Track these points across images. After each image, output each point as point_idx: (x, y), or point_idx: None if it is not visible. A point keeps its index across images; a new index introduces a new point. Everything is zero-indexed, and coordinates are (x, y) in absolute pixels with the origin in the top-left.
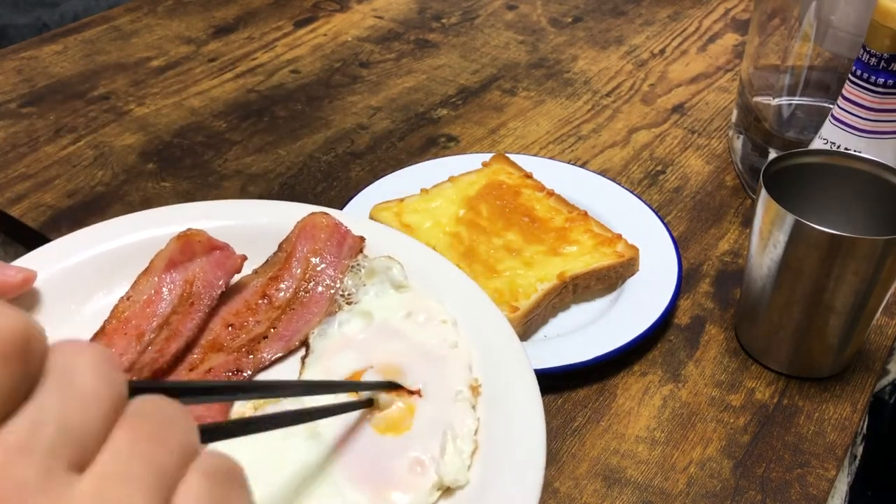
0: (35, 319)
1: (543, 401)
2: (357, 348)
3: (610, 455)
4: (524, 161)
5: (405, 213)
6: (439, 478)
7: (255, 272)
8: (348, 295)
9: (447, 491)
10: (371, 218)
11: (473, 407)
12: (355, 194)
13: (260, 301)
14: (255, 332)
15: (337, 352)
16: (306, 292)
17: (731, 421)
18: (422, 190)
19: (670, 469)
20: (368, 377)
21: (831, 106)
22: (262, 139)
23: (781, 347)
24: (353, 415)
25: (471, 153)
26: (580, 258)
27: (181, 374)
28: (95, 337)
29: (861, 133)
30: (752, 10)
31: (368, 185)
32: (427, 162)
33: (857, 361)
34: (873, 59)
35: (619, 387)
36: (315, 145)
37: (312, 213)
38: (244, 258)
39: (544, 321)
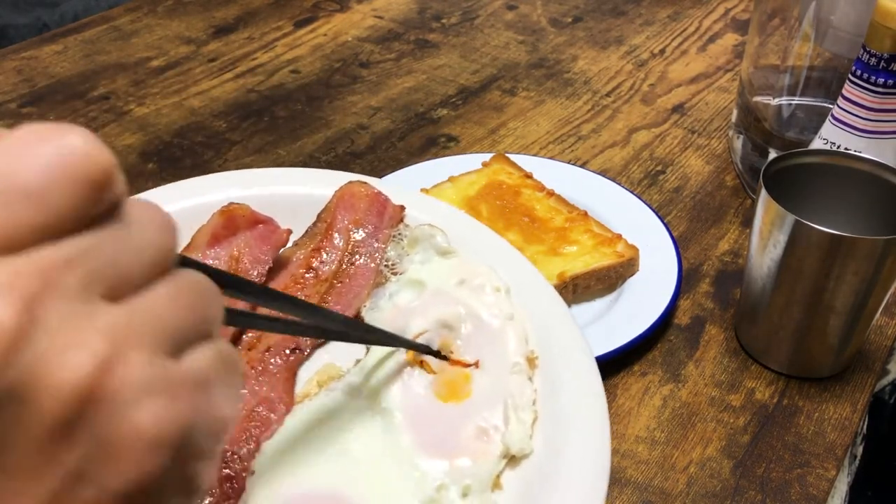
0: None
1: None
2: (414, 316)
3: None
4: (524, 161)
5: None
6: (505, 446)
7: (296, 244)
8: (392, 265)
9: (513, 460)
10: None
11: (530, 378)
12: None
13: (306, 275)
14: None
15: (395, 319)
16: (351, 264)
17: (731, 421)
18: (422, 190)
19: (670, 469)
20: (429, 338)
21: (831, 106)
22: (262, 139)
23: (781, 347)
24: (415, 384)
25: (471, 153)
26: (580, 258)
27: (241, 354)
28: None
29: (861, 133)
30: (752, 10)
31: None
32: (427, 162)
33: (857, 361)
34: (873, 59)
35: (619, 387)
36: (315, 145)
37: (350, 183)
38: (289, 232)
39: None
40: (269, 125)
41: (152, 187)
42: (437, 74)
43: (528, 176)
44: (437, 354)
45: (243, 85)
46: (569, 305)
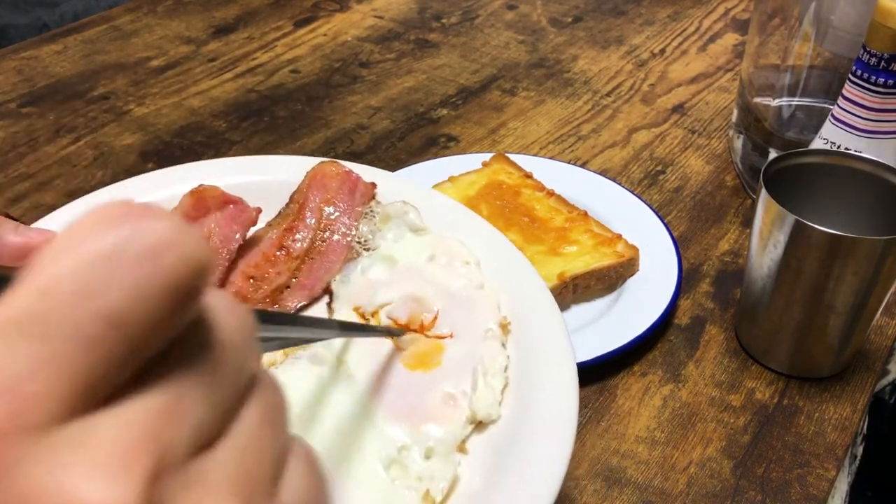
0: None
1: None
2: (382, 288)
3: (610, 455)
4: (524, 161)
5: None
6: (472, 412)
7: (269, 225)
8: (364, 241)
9: (479, 425)
10: None
11: (503, 344)
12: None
13: (278, 253)
14: (276, 283)
15: (362, 292)
16: (323, 241)
17: (731, 421)
18: None
19: (670, 469)
20: (396, 309)
21: (831, 106)
22: (262, 139)
23: (781, 347)
24: (384, 353)
25: (471, 153)
26: (580, 258)
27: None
28: None
29: (861, 133)
30: (752, 10)
31: None
32: (427, 162)
33: (857, 361)
34: (873, 59)
35: (619, 387)
36: (315, 145)
37: (322, 163)
38: (259, 211)
39: None
40: (269, 125)
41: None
42: (437, 74)
43: (528, 176)
44: (409, 330)
45: (243, 85)
46: (569, 305)
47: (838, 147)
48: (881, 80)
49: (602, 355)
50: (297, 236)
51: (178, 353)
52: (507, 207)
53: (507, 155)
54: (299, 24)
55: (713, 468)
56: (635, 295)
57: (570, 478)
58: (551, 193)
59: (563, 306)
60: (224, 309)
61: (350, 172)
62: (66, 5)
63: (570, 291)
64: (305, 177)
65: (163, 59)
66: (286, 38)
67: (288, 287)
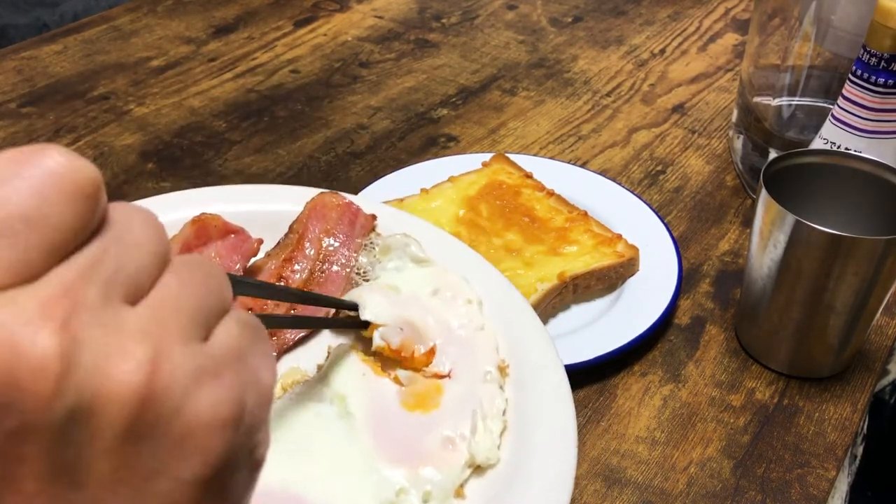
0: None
1: None
2: (384, 306)
3: (610, 455)
4: (524, 161)
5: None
6: (471, 455)
7: (268, 255)
8: (364, 273)
9: (478, 469)
10: None
11: (501, 387)
12: (355, 194)
13: (276, 284)
14: (275, 315)
15: (370, 294)
16: (322, 272)
17: (731, 421)
18: (422, 190)
19: (670, 469)
20: (389, 332)
21: (831, 106)
22: (262, 139)
23: (781, 347)
24: (384, 393)
25: (471, 153)
26: (580, 258)
27: None
28: None
29: (861, 133)
30: (753, 10)
31: (368, 185)
32: (427, 162)
33: (857, 361)
34: (873, 59)
35: (619, 387)
36: (315, 145)
37: (322, 193)
38: (260, 241)
39: (544, 321)
40: (269, 125)
41: (152, 187)
42: (437, 74)
43: (528, 176)
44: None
45: (243, 85)
46: (569, 305)
47: (838, 147)
48: (881, 80)
49: (602, 355)
50: (296, 267)
51: (91, 238)
52: (507, 207)
53: (507, 155)
54: (299, 24)
55: (713, 468)
56: (635, 295)
57: None
58: (551, 193)
59: (563, 306)
60: (129, 210)
61: (350, 204)
62: (66, 5)
63: (570, 291)
64: (305, 207)
65: (163, 59)
66: (286, 38)
67: (284, 319)
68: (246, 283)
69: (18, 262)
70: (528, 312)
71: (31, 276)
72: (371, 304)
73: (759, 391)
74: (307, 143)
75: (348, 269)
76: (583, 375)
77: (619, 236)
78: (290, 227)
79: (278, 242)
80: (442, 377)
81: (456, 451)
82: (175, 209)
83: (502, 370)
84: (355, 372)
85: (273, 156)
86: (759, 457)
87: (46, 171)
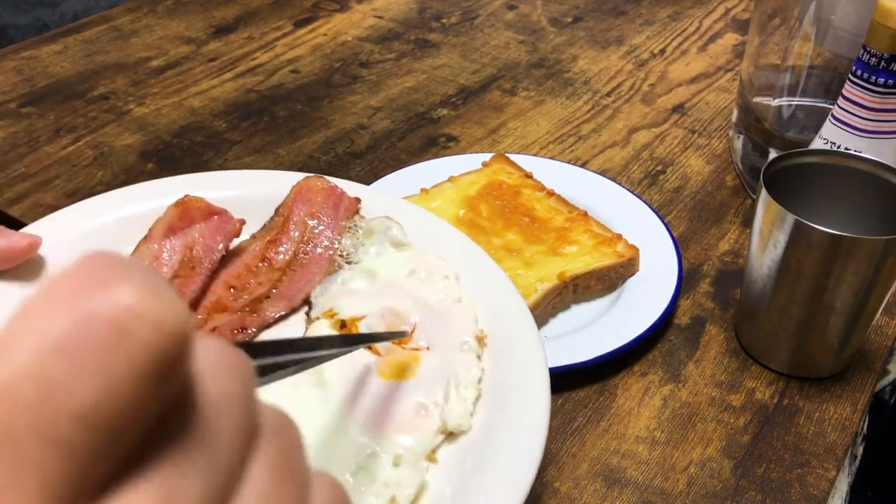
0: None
1: None
2: (360, 300)
3: (610, 455)
4: (524, 161)
5: None
6: (443, 422)
7: (254, 237)
8: (347, 255)
9: (451, 436)
10: None
11: (479, 357)
12: None
13: (260, 264)
14: (257, 293)
15: (340, 299)
16: (305, 254)
17: (731, 421)
18: (422, 190)
19: (670, 469)
20: (372, 322)
21: (831, 106)
22: (262, 139)
23: (781, 347)
24: (360, 362)
25: (471, 153)
26: (580, 258)
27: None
28: None
29: (861, 133)
30: (753, 10)
31: (368, 185)
32: (427, 162)
33: (857, 361)
34: (873, 59)
35: (619, 387)
36: (315, 145)
37: (307, 177)
38: (242, 222)
39: (544, 321)
40: (269, 125)
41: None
42: (437, 74)
43: (528, 176)
44: (395, 336)
45: (243, 85)
46: (569, 305)
47: (838, 147)
48: (881, 80)
49: (602, 355)
50: (281, 248)
51: (167, 430)
52: (507, 207)
53: (507, 155)
54: (299, 24)
55: (713, 468)
56: (635, 295)
57: (570, 478)
58: (551, 193)
59: (563, 306)
60: (213, 364)
61: (335, 187)
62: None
63: (570, 291)
64: (291, 191)
65: (163, 59)
66: (286, 38)
67: (268, 297)
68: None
69: (69, 481)
70: (505, 284)
71: (86, 496)
72: (346, 307)
73: (759, 391)
74: (307, 143)
75: (331, 252)
76: (583, 375)
77: (619, 236)
78: (276, 210)
79: (264, 225)
80: (420, 350)
81: (428, 417)
82: (164, 195)
83: (480, 340)
84: None
85: (273, 156)
86: (759, 457)
87: (112, 331)
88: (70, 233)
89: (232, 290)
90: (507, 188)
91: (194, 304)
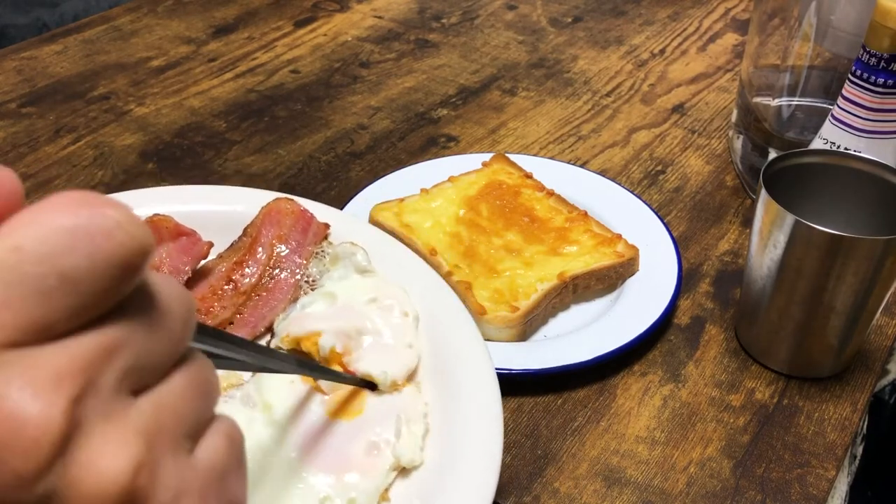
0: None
1: (543, 401)
2: (316, 320)
3: (610, 455)
4: (524, 161)
5: (405, 213)
6: (395, 459)
7: (220, 256)
8: (313, 281)
9: (404, 471)
10: (371, 218)
11: (419, 391)
12: (355, 194)
13: (225, 287)
14: (220, 318)
15: (298, 323)
16: (271, 278)
17: (731, 421)
18: (422, 190)
19: (670, 469)
20: (325, 340)
21: (831, 106)
22: (262, 139)
23: (781, 347)
24: (307, 400)
25: (471, 153)
26: (580, 258)
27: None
28: None
29: (861, 133)
30: (752, 10)
31: (368, 185)
32: (427, 162)
33: (857, 361)
34: (873, 59)
35: (619, 387)
36: (315, 145)
37: (277, 199)
38: (210, 245)
39: (544, 321)
40: (269, 125)
41: (152, 187)
42: (437, 74)
43: (528, 176)
44: (369, 386)
45: (243, 85)
46: (569, 305)
47: (838, 147)
48: (881, 80)
49: (602, 355)
50: (247, 271)
51: (121, 310)
52: (507, 207)
53: (507, 155)
54: (299, 24)
55: (713, 468)
56: (635, 295)
57: (570, 478)
58: (551, 193)
59: (563, 306)
60: (167, 286)
61: (305, 211)
62: (66, 5)
63: (570, 291)
64: (260, 211)
65: (163, 59)
66: (286, 38)
67: (231, 322)
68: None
69: (43, 319)
70: (466, 322)
71: (50, 336)
72: (301, 330)
73: (758, 391)
74: (307, 143)
75: (297, 277)
76: (583, 375)
77: (619, 236)
78: (245, 230)
79: (231, 244)
80: (365, 385)
81: (381, 455)
82: (133, 208)
83: (417, 384)
84: (284, 380)
85: (273, 156)
86: (759, 457)
87: (101, 231)
88: None
89: (196, 313)
90: (507, 188)
91: None
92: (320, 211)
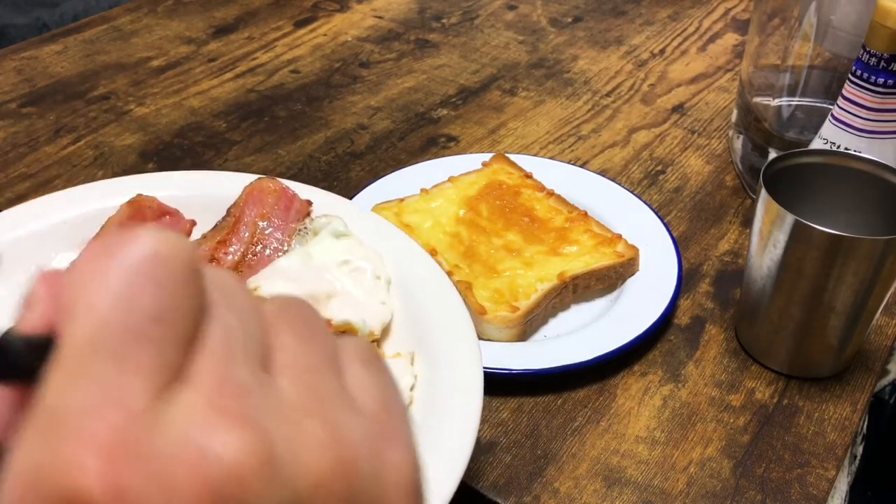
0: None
1: (543, 401)
2: (286, 279)
3: (610, 455)
4: (524, 161)
5: (405, 213)
6: None
7: (204, 237)
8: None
9: None
10: None
11: (411, 364)
12: (355, 194)
13: (208, 265)
14: None
15: (267, 278)
16: (254, 255)
17: (731, 421)
18: (422, 190)
19: (670, 469)
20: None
21: (831, 106)
22: (262, 139)
23: (781, 347)
24: None
25: (471, 153)
26: (580, 258)
27: None
28: None
29: (861, 133)
30: (752, 10)
31: (368, 185)
32: (427, 162)
33: (857, 361)
34: (873, 59)
35: (619, 387)
36: (315, 145)
37: (260, 178)
38: (193, 223)
39: (544, 321)
40: (269, 125)
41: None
42: (437, 74)
43: (528, 176)
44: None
45: (243, 85)
46: (569, 305)
47: (838, 147)
48: (881, 80)
49: (602, 355)
50: (230, 249)
51: (205, 318)
52: (507, 207)
53: (507, 155)
54: (299, 24)
55: (713, 468)
56: (635, 295)
57: (570, 477)
58: (551, 193)
59: (563, 306)
60: (216, 272)
61: (286, 189)
62: (66, 5)
63: (570, 291)
64: (243, 191)
65: (163, 59)
66: (286, 38)
67: None
68: None
69: (163, 365)
70: (450, 293)
71: (176, 375)
72: (269, 286)
73: (758, 391)
74: (307, 143)
75: (280, 254)
76: (583, 375)
77: (619, 236)
78: (228, 211)
79: (215, 225)
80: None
81: None
82: (119, 194)
83: (411, 356)
84: None
85: (273, 156)
86: (759, 457)
87: (152, 261)
88: (23, 230)
89: None
90: (507, 188)
91: None
92: (303, 190)
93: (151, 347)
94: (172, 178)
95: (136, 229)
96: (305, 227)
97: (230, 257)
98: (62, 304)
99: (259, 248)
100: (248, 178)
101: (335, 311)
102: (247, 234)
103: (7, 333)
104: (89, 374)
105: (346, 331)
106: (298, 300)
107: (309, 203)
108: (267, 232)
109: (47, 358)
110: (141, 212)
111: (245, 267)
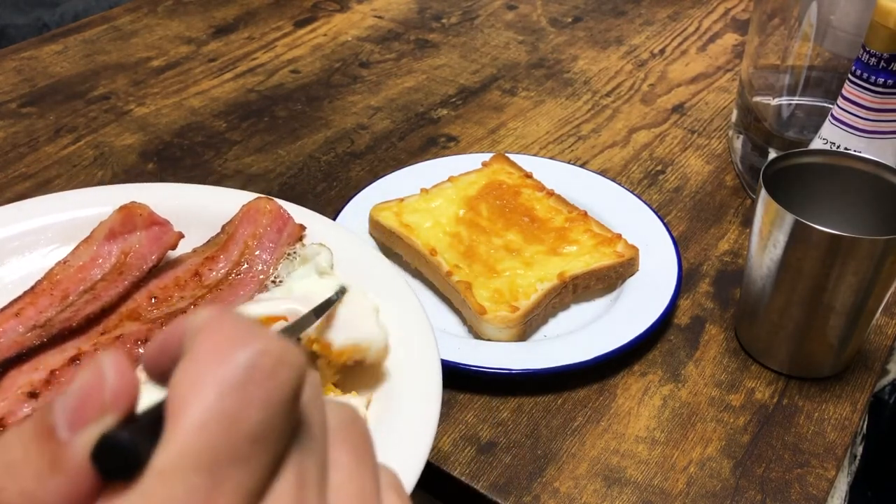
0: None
1: (543, 401)
2: (265, 304)
3: (610, 455)
4: (524, 161)
5: (405, 213)
6: None
7: (195, 251)
8: (280, 282)
9: None
10: (371, 218)
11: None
12: (355, 194)
13: (191, 279)
14: (176, 307)
15: (246, 308)
16: (238, 274)
17: (731, 421)
18: (422, 190)
19: (670, 469)
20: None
21: (831, 106)
22: (262, 139)
23: (781, 347)
24: None
25: (471, 153)
26: (580, 258)
27: (92, 337)
28: (23, 295)
29: (861, 133)
30: (752, 10)
31: (368, 185)
32: (427, 162)
33: (857, 361)
34: (873, 59)
35: (619, 387)
36: (315, 145)
37: (257, 198)
38: (180, 235)
39: (544, 321)
40: (269, 125)
41: (150, 183)
42: (437, 74)
43: (528, 176)
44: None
45: (243, 85)
46: (569, 305)
47: (838, 147)
48: (881, 80)
49: (602, 355)
50: (217, 266)
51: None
52: (507, 207)
53: (507, 155)
54: (299, 24)
55: (713, 468)
56: (635, 295)
57: (570, 477)
58: (551, 193)
59: (563, 306)
60: (315, 390)
61: (282, 211)
62: (66, 5)
63: (570, 291)
64: (240, 210)
65: (163, 59)
66: (286, 38)
67: (185, 312)
68: None
69: (251, 489)
70: (424, 329)
71: (259, 496)
72: (248, 311)
73: (758, 391)
74: (307, 143)
75: (263, 276)
76: (583, 375)
77: (619, 236)
78: (223, 228)
79: (209, 240)
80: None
81: None
82: (117, 203)
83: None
84: None
85: (273, 156)
86: (759, 457)
87: (264, 376)
88: (17, 228)
89: (153, 300)
90: (507, 188)
91: (110, 308)
92: (299, 213)
93: (246, 468)
94: (177, 190)
95: (255, 329)
96: (295, 252)
97: (214, 274)
98: (172, 397)
99: (245, 267)
100: (248, 196)
101: (336, 334)
102: (236, 253)
103: (118, 432)
104: (183, 485)
105: (352, 353)
106: (357, 415)
107: (302, 227)
108: (256, 253)
109: (147, 455)
110: (131, 219)
111: (226, 285)
